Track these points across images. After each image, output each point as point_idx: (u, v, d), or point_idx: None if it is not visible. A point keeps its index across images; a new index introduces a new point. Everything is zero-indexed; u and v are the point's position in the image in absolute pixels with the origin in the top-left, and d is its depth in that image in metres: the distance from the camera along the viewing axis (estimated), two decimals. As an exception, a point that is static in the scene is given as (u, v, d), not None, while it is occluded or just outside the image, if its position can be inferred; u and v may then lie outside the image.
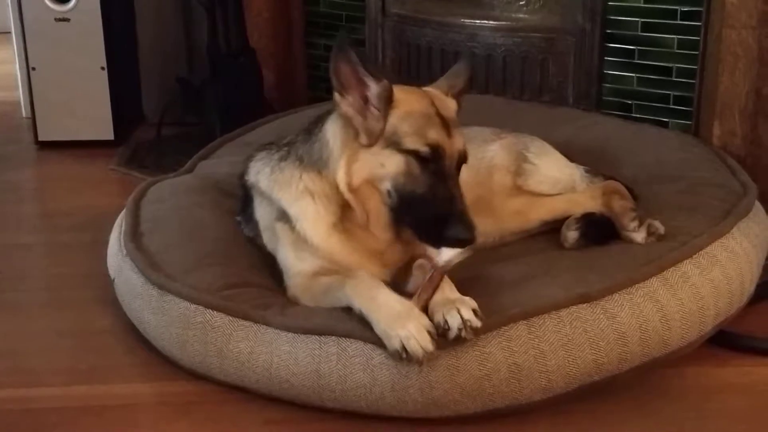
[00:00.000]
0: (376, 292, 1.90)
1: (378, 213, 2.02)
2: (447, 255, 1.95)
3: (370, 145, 1.98)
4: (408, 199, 1.96)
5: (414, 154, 1.95)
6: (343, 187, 2.02)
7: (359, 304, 1.90)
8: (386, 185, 1.98)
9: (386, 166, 1.97)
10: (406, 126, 1.97)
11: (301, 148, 2.16)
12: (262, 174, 2.23)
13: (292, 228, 2.10)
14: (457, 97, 2.14)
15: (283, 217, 2.13)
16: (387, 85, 1.99)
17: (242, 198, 2.39)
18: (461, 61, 2.27)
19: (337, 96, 2.03)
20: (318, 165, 2.09)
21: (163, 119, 3.89)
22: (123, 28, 4.07)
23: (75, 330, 2.36)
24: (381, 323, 1.84)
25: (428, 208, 1.94)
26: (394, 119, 1.98)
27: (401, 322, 1.81)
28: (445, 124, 1.99)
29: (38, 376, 2.16)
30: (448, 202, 1.93)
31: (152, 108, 4.15)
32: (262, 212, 2.25)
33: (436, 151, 1.95)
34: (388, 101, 1.98)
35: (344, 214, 2.06)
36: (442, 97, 2.10)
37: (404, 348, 1.79)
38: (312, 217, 2.08)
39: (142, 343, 2.22)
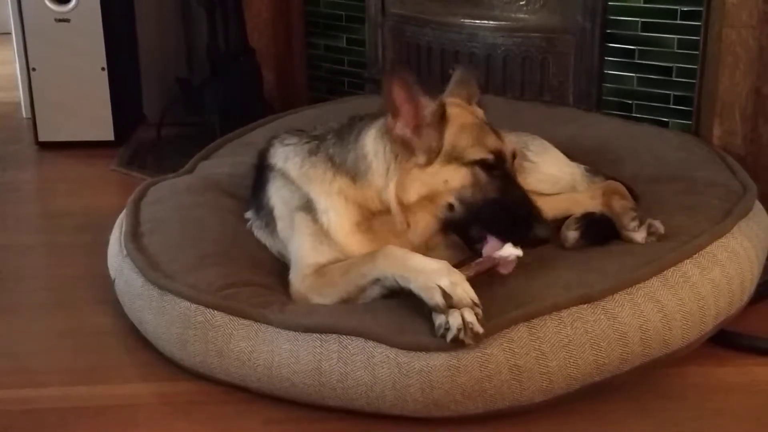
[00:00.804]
0: (410, 256, 1.92)
1: (426, 224, 2.04)
2: (507, 251, 1.97)
3: (428, 164, 2.01)
4: (477, 208, 1.99)
5: (480, 163, 2.00)
6: (393, 205, 2.04)
7: (393, 268, 1.91)
8: (449, 199, 2.01)
9: (451, 181, 2.00)
10: (464, 140, 2.01)
11: (332, 149, 2.16)
12: (291, 162, 2.22)
13: (315, 220, 2.11)
14: (479, 105, 2.20)
15: (306, 207, 2.13)
16: (442, 103, 2.04)
17: (254, 181, 2.37)
18: (462, 68, 2.29)
19: (390, 119, 2.03)
20: (352, 173, 2.10)
21: (163, 119, 3.89)
22: (123, 29, 4.07)
23: (75, 330, 2.36)
24: (420, 278, 1.85)
25: (503, 211, 1.98)
26: (450, 135, 2.02)
27: (441, 273, 1.84)
28: (494, 130, 2.06)
29: (38, 376, 2.16)
30: (523, 202, 2.00)
31: (152, 108, 4.15)
32: (280, 198, 2.23)
33: (499, 156, 2.01)
34: (442, 118, 2.02)
35: (371, 217, 2.08)
36: (473, 108, 2.15)
37: (447, 296, 1.79)
38: (339, 213, 2.10)
39: (143, 343, 2.22)
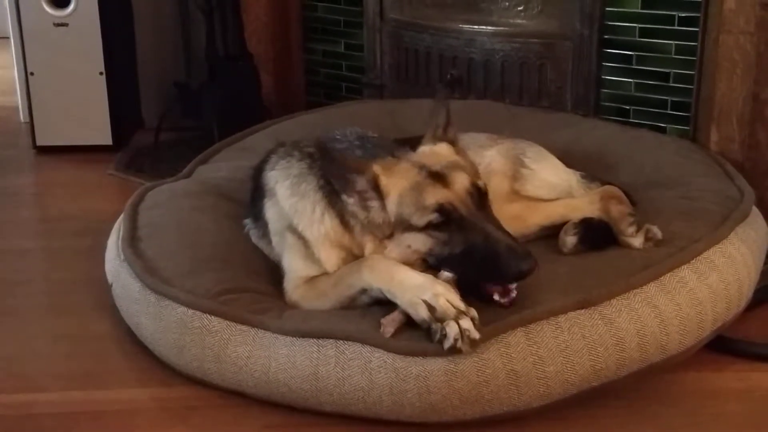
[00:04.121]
0: (395, 269, 1.92)
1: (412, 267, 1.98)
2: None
3: (388, 236, 1.98)
4: (449, 259, 1.94)
5: (429, 226, 1.94)
6: None
7: (378, 281, 1.91)
8: (423, 256, 1.97)
9: (414, 245, 1.96)
10: (405, 208, 1.95)
11: (322, 180, 2.12)
12: (280, 186, 2.21)
13: (306, 246, 2.11)
14: (445, 134, 2.12)
15: (297, 233, 2.13)
16: (371, 173, 1.97)
17: (252, 191, 2.37)
18: (436, 98, 2.20)
19: (344, 197, 2.02)
20: (341, 218, 2.07)
21: (161, 124, 3.88)
22: (121, 33, 4.07)
23: (72, 335, 2.36)
24: (405, 294, 1.86)
25: (474, 258, 1.90)
26: (393, 206, 1.97)
27: (425, 288, 1.83)
28: (439, 177, 1.97)
29: (35, 381, 2.16)
30: (491, 245, 1.89)
31: (151, 113, 4.15)
32: (274, 216, 2.23)
33: (444, 209, 1.93)
34: (377, 187, 1.97)
35: (359, 255, 2.06)
36: (430, 151, 2.08)
37: (431, 314, 1.79)
38: (327, 252, 2.09)
39: (140, 348, 2.22)
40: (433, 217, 1.93)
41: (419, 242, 1.96)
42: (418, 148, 2.12)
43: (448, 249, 1.94)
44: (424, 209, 1.94)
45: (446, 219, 1.93)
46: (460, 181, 1.98)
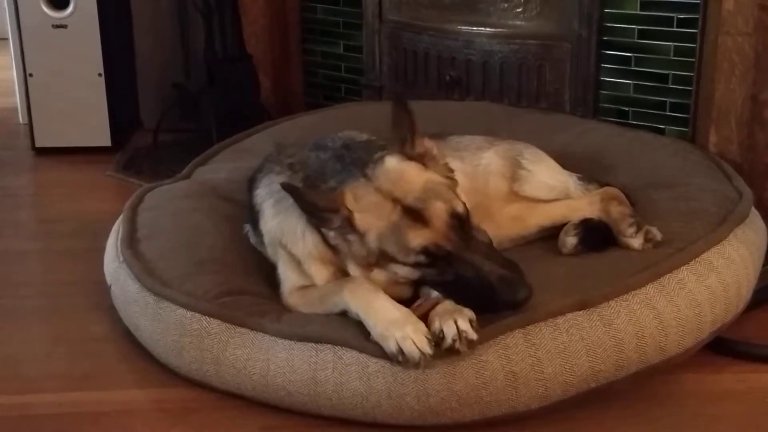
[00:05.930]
0: (374, 297, 1.91)
1: (398, 291, 1.98)
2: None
3: (375, 266, 1.96)
4: (441, 285, 1.92)
5: (416, 264, 1.92)
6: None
7: (356, 307, 1.91)
8: (410, 281, 1.97)
9: (401, 273, 1.95)
10: (388, 246, 1.92)
11: None
12: (266, 205, 2.21)
13: (298, 263, 2.11)
14: (413, 149, 2.01)
15: (286, 249, 2.13)
16: (344, 211, 1.93)
17: (249, 200, 2.36)
18: (394, 105, 2.03)
19: (324, 231, 2.00)
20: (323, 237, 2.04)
21: (160, 125, 3.88)
22: (120, 35, 4.07)
23: (71, 336, 2.36)
24: (378, 326, 1.85)
25: (467, 289, 1.88)
26: (374, 243, 1.93)
27: (398, 325, 1.83)
28: (417, 215, 1.90)
29: (34, 382, 2.16)
30: (483, 277, 1.87)
31: (149, 114, 4.15)
32: (266, 232, 2.23)
33: (429, 251, 1.89)
34: (352, 225, 1.93)
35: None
36: (398, 173, 1.97)
37: (400, 350, 1.80)
38: (317, 268, 2.08)
39: (138, 349, 2.22)
40: (420, 258, 1.90)
41: (406, 272, 1.94)
42: (385, 162, 2.00)
43: (438, 278, 1.92)
44: (408, 250, 1.90)
45: (435, 257, 1.90)
46: (439, 215, 1.90)
